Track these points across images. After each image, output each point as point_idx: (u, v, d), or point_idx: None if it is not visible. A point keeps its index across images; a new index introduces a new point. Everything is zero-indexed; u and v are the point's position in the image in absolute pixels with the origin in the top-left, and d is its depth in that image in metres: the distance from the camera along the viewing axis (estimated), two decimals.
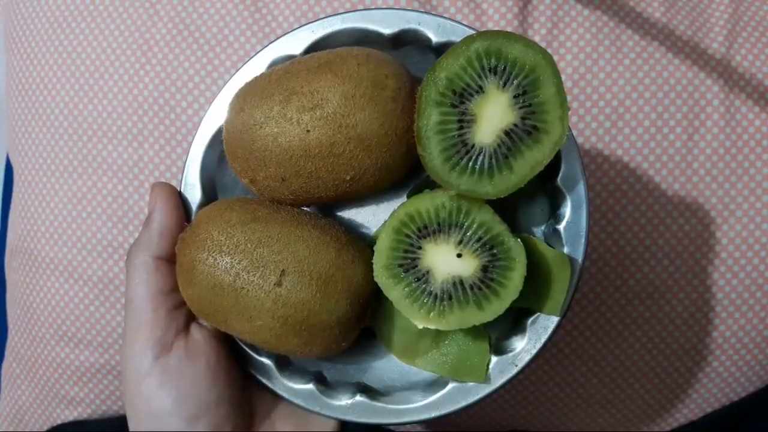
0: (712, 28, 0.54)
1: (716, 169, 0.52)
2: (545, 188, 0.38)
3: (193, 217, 0.40)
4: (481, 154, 0.34)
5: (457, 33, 0.38)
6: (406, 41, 0.39)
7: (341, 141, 0.35)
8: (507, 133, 0.33)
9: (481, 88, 0.34)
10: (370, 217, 0.40)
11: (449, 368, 0.38)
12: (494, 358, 0.37)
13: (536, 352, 0.37)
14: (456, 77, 0.34)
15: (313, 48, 0.39)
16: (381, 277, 0.35)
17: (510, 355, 0.37)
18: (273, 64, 0.39)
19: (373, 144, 0.35)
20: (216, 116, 0.40)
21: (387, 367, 0.40)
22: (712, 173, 0.52)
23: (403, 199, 0.40)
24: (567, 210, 0.37)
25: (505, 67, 0.33)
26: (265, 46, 0.40)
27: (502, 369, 0.37)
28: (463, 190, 0.34)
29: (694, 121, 0.53)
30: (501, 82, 0.33)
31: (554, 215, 0.38)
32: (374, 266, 0.36)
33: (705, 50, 0.54)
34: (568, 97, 0.44)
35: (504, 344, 0.38)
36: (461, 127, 0.34)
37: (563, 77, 0.51)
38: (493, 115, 0.34)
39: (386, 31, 0.39)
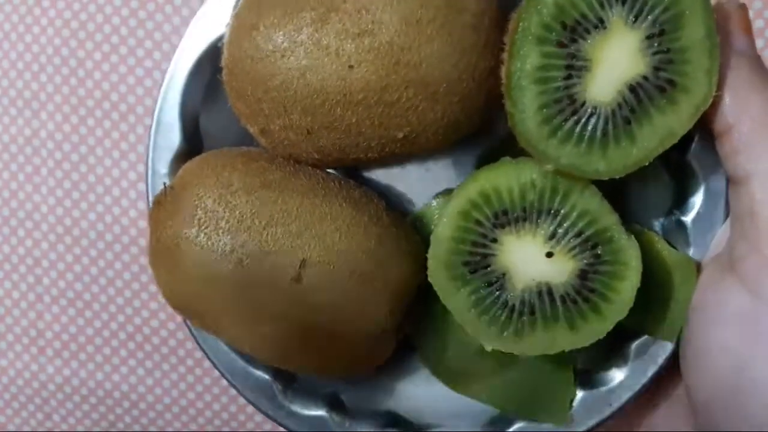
0: None
1: None
2: (669, 165, 0.30)
3: (168, 171, 0.30)
4: (594, 116, 0.26)
5: None
6: None
7: (397, 84, 0.27)
8: (632, 88, 0.26)
9: (601, 21, 0.26)
10: (416, 185, 0.32)
11: (518, 403, 0.30)
12: (580, 393, 0.29)
13: (639, 389, 0.29)
14: (568, 4, 0.26)
15: None
16: (439, 278, 0.28)
17: (603, 390, 0.29)
18: None
19: (441, 91, 0.27)
20: (206, 28, 0.30)
21: (428, 394, 0.32)
22: None
23: (466, 163, 0.31)
24: (698, 198, 0.29)
25: None
26: None
27: (590, 408, 0.29)
28: (564, 164, 0.26)
29: None
30: (631, 16, 0.26)
31: (680, 203, 0.30)
32: (429, 262, 0.28)
33: None
34: None
35: (594, 375, 0.30)
36: (569, 76, 0.26)
37: None
38: (616, 61, 0.26)
39: None
